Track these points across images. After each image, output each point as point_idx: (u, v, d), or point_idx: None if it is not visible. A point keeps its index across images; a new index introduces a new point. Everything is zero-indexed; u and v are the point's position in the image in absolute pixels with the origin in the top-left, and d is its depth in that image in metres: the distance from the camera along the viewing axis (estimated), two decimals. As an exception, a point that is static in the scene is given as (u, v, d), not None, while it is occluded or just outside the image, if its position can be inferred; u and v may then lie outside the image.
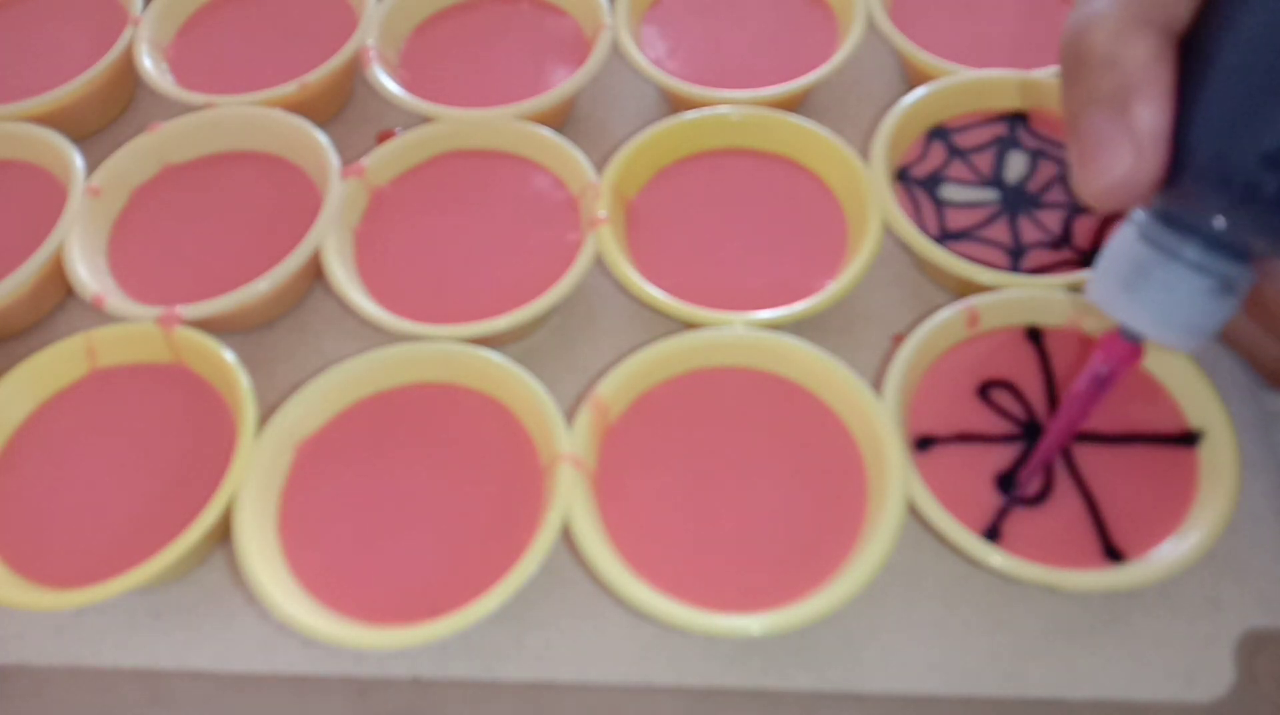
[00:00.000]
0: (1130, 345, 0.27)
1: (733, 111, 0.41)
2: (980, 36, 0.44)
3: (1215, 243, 0.24)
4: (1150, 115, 0.22)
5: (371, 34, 0.45)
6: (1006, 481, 0.32)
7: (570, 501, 0.31)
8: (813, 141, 0.40)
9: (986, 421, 0.33)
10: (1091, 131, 0.23)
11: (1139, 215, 0.25)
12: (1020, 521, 0.31)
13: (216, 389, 0.36)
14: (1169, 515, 0.31)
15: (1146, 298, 0.25)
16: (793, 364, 0.34)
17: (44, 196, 0.42)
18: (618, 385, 0.34)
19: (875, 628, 0.32)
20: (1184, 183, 0.23)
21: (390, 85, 0.44)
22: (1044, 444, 0.31)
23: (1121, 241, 0.25)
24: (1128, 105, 0.23)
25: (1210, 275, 0.24)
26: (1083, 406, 0.29)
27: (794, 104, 0.44)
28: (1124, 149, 0.23)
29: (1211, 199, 0.23)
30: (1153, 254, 0.24)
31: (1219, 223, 0.23)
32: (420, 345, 0.35)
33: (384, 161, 0.41)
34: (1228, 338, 0.30)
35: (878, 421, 0.32)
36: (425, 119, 0.43)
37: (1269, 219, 0.23)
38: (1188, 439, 0.32)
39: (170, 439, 0.36)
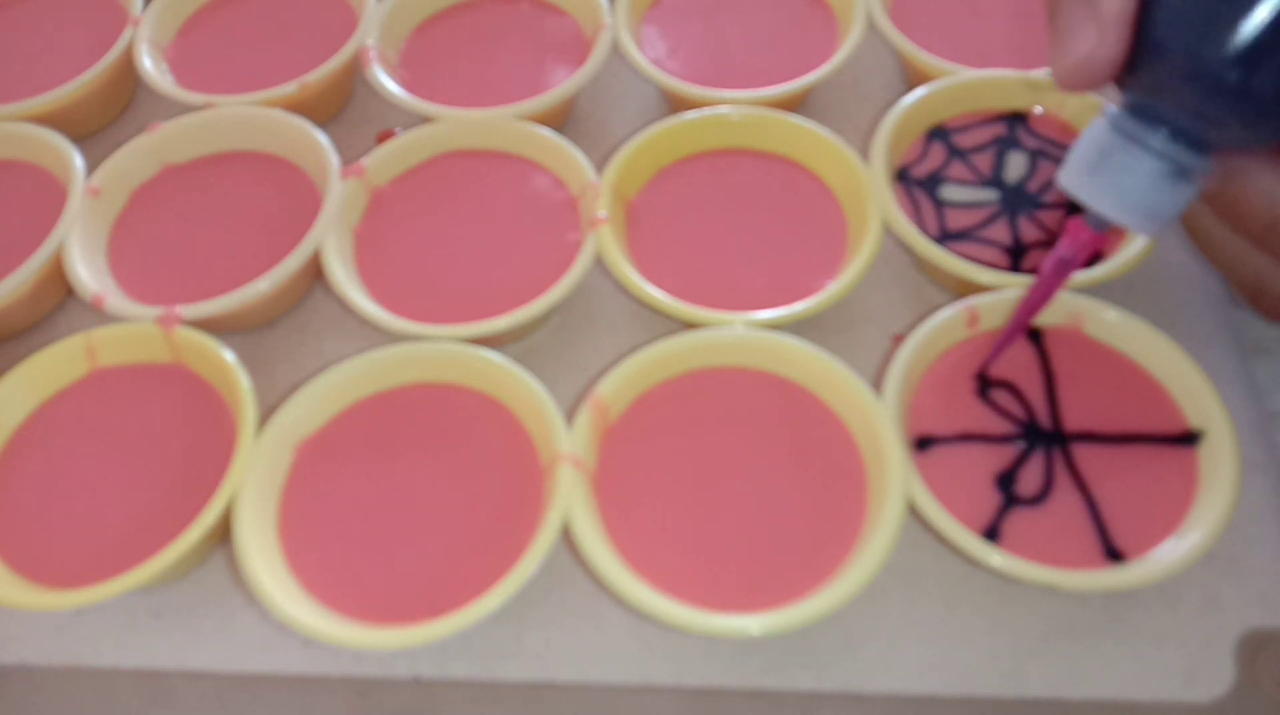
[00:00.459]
0: (1093, 233, 0.29)
1: (733, 111, 0.41)
2: (980, 36, 0.44)
3: (1177, 133, 0.25)
4: (1113, 1, 0.24)
5: (371, 34, 0.45)
6: (1006, 480, 0.32)
7: (570, 501, 0.31)
8: (813, 141, 0.40)
9: (986, 421, 0.33)
10: (1063, 16, 0.25)
11: (1111, 109, 0.27)
12: (1020, 521, 0.31)
13: (216, 389, 0.36)
14: (1169, 515, 0.31)
15: (1107, 179, 0.27)
16: (793, 364, 0.34)
17: (44, 196, 0.42)
18: (618, 385, 0.34)
19: (875, 628, 0.32)
20: (1152, 76, 0.25)
21: (390, 85, 0.44)
22: (1008, 327, 0.33)
23: (1092, 131, 0.27)
24: None
25: (1166, 160, 0.26)
26: (1045, 289, 0.31)
27: (794, 104, 0.44)
28: (1088, 30, 0.25)
29: (1177, 91, 0.24)
30: (1117, 139, 0.26)
31: (1183, 114, 0.25)
32: (420, 345, 0.35)
33: (384, 161, 0.41)
34: (1209, 256, 0.30)
35: (878, 421, 0.32)
36: (425, 119, 0.43)
37: (1231, 111, 0.24)
38: (1188, 439, 0.32)
39: (170, 439, 0.36)
